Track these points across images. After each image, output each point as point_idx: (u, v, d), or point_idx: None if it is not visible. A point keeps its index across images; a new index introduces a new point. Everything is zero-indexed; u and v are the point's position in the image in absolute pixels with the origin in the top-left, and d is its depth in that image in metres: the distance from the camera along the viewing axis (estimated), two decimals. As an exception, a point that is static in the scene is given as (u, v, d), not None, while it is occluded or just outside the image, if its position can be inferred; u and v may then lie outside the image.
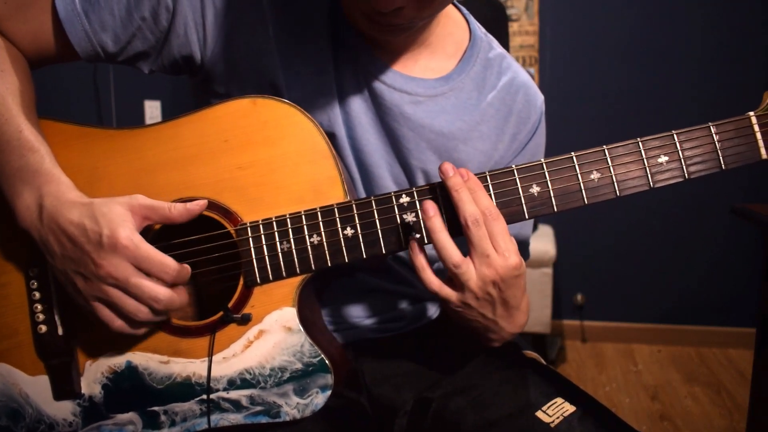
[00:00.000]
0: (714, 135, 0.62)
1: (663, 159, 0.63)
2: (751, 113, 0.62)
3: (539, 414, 0.68)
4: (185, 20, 0.70)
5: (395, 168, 0.78)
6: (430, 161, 0.78)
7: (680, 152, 0.62)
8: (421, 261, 0.64)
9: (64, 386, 0.69)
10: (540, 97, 0.85)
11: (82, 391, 0.70)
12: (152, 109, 2.62)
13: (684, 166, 0.63)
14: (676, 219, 2.50)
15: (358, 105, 0.75)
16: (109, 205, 0.62)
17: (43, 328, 0.69)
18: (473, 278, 0.62)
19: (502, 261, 0.62)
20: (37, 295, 0.69)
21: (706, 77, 2.40)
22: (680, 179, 0.63)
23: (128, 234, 0.61)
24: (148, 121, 2.59)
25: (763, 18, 2.33)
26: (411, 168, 0.78)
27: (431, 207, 0.63)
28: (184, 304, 0.65)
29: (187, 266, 0.64)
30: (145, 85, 2.56)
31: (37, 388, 0.70)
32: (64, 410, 0.70)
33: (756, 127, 0.61)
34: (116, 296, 0.62)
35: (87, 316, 0.65)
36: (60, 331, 0.69)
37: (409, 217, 0.65)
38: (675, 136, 0.62)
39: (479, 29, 0.83)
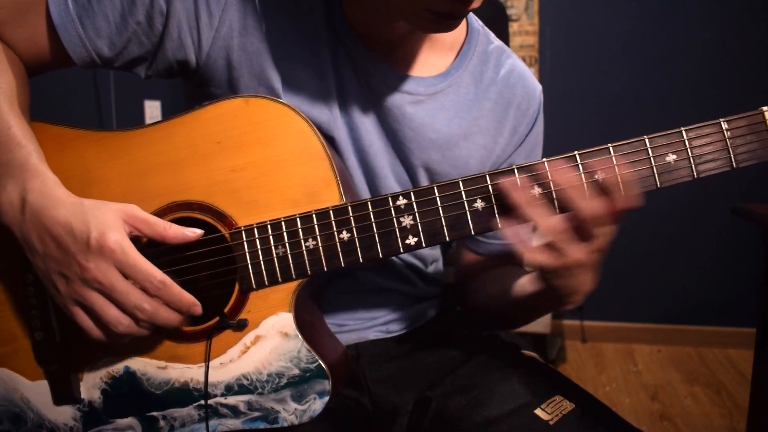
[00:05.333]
0: (725, 132, 0.55)
1: (671, 158, 0.56)
2: (765, 108, 0.55)
3: (538, 412, 0.64)
4: (179, 23, 0.66)
5: (398, 167, 0.74)
6: (433, 160, 0.74)
7: (689, 150, 0.56)
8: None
9: (64, 391, 0.66)
10: (538, 87, 0.80)
11: (82, 396, 0.66)
12: (152, 109, 2.54)
13: (693, 165, 0.56)
14: (676, 219, 2.41)
15: (360, 107, 0.71)
16: (102, 208, 0.58)
17: (41, 334, 0.65)
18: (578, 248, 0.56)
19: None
20: (34, 301, 0.65)
21: (707, 77, 2.30)
22: (689, 179, 0.56)
23: (118, 238, 0.56)
24: (148, 121, 2.51)
25: (763, 16, 2.24)
26: (413, 167, 0.74)
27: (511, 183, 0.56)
28: (172, 322, 0.60)
29: (169, 281, 0.58)
30: (145, 85, 2.46)
31: (37, 393, 0.66)
32: (64, 415, 0.66)
33: (769, 123, 0.55)
34: (98, 303, 0.57)
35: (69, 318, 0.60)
36: (57, 338, 0.65)
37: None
38: (684, 133, 0.56)
39: (476, 21, 0.79)
